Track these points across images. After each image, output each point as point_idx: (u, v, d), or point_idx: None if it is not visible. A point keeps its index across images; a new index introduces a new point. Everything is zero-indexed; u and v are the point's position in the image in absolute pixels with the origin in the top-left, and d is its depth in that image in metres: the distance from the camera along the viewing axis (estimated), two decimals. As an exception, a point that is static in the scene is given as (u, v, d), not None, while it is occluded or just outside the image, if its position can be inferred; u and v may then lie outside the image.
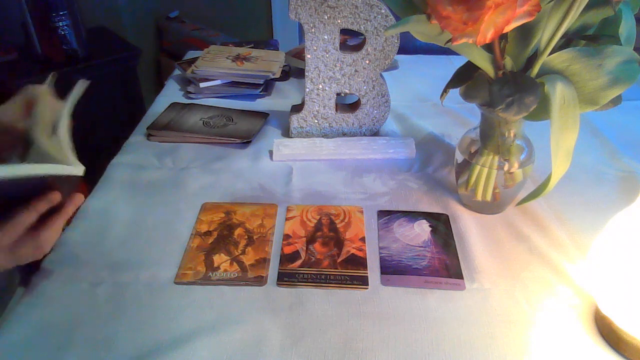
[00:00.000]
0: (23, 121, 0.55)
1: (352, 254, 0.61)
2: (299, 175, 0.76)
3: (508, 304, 0.54)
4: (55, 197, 0.50)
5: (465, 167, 0.67)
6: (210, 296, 0.55)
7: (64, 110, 0.53)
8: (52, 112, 0.54)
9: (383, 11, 0.74)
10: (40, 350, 0.49)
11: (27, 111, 0.56)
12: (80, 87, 0.56)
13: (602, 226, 0.49)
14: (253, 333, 0.51)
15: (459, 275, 0.58)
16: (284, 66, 1.05)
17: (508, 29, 0.46)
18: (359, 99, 0.82)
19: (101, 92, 1.58)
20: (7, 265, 0.50)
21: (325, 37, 0.76)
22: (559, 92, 0.51)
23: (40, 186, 0.49)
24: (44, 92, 0.55)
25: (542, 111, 0.53)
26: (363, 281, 0.57)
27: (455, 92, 0.65)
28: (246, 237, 0.64)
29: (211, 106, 0.94)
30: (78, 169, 0.51)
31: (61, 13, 1.43)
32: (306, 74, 0.79)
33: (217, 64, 1.00)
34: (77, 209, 0.55)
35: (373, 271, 0.59)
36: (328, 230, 0.65)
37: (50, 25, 1.43)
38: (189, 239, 0.63)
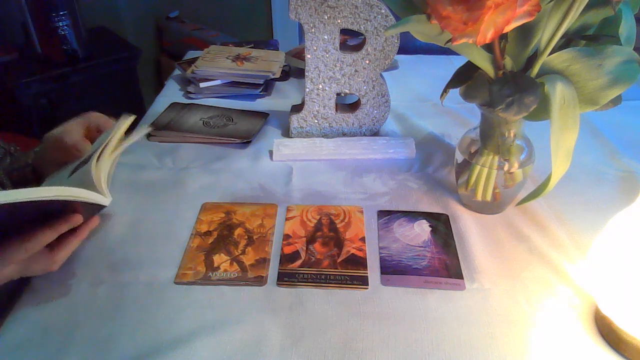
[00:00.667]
0: (85, 142, 0.63)
1: (352, 254, 0.61)
2: (299, 175, 0.76)
3: (508, 304, 0.54)
4: (77, 219, 0.52)
5: (465, 167, 0.67)
6: (210, 296, 0.55)
7: (102, 143, 0.57)
8: (114, 147, 0.58)
9: (383, 11, 0.74)
10: (40, 350, 0.49)
11: (90, 134, 0.65)
12: (124, 121, 0.60)
13: (602, 226, 0.49)
14: (253, 333, 0.51)
15: (459, 275, 0.58)
16: (284, 66, 1.05)
17: (508, 29, 0.46)
18: (359, 99, 0.82)
19: (101, 92, 1.58)
20: (16, 276, 0.52)
21: (325, 37, 0.76)
22: (559, 92, 0.51)
23: (65, 204, 0.50)
24: (117, 129, 0.59)
25: (542, 111, 0.53)
26: (363, 281, 0.57)
27: (455, 92, 0.65)
28: (246, 237, 0.64)
29: (211, 106, 0.94)
30: (106, 200, 0.54)
31: (61, 13, 1.43)
32: (306, 74, 0.79)
33: (217, 64, 1.00)
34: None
35: (373, 271, 0.59)
36: (328, 230, 0.65)
37: (50, 25, 1.43)
38: (189, 239, 0.63)
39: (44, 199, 0.46)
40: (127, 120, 0.61)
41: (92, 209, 0.55)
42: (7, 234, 0.49)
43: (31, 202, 0.45)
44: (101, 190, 0.53)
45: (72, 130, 0.64)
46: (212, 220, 0.66)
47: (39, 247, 0.50)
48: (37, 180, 0.64)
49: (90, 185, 0.53)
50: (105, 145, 0.56)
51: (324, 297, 0.55)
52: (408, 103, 0.96)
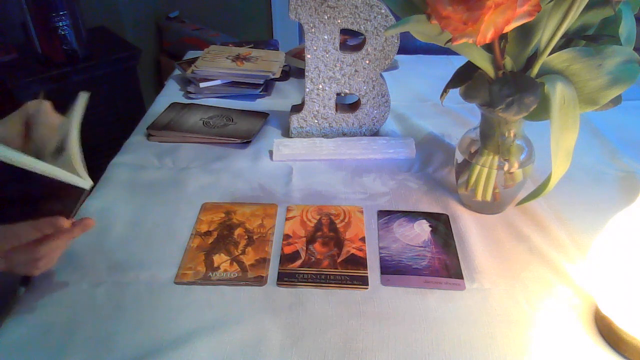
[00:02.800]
0: (23, 141, 0.55)
1: (352, 254, 0.61)
2: (299, 175, 0.76)
3: (508, 304, 0.54)
4: (62, 223, 0.50)
5: (465, 167, 0.67)
6: (210, 296, 0.55)
7: (71, 126, 0.52)
8: (55, 130, 0.53)
9: (383, 11, 0.74)
10: (40, 350, 0.49)
11: (27, 132, 0.56)
12: (82, 100, 0.55)
13: (602, 226, 0.49)
14: (253, 333, 0.51)
15: (459, 275, 0.58)
16: (284, 66, 1.05)
17: (508, 29, 0.46)
18: (359, 99, 0.82)
19: (101, 92, 1.58)
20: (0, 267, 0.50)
21: (325, 37, 0.76)
22: (559, 92, 0.51)
23: (45, 191, 0.48)
24: (43, 110, 0.54)
25: (542, 111, 0.53)
26: (363, 281, 0.57)
27: (455, 92, 0.65)
28: (246, 237, 0.64)
29: (211, 106, 0.94)
30: (85, 183, 0.51)
31: (61, 13, 1.43)
32: (306, 74, 0.79)
33: (217, 64, 1.00)
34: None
35: (373, 271, 0.59)
36: (328, 230, 0.65)
37: (50, 25, 1.43)
38: (189, 239, 0.63)
39: (20, 165, 0.44)
40: (83, 99, 0.55)
41: (73, 195, 0.52)
42: None
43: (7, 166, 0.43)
44: (80, 173, 0.50)
45: (7, 126, 0.56)
46: (212, 220, 0.66)
47: (18, 241, 0.48)
48: None
49: (70, 168, 0.50)
50: (72, 129, 0.52)
51: (324, 297, 0.55)
52: (408, 103, 0.96)
